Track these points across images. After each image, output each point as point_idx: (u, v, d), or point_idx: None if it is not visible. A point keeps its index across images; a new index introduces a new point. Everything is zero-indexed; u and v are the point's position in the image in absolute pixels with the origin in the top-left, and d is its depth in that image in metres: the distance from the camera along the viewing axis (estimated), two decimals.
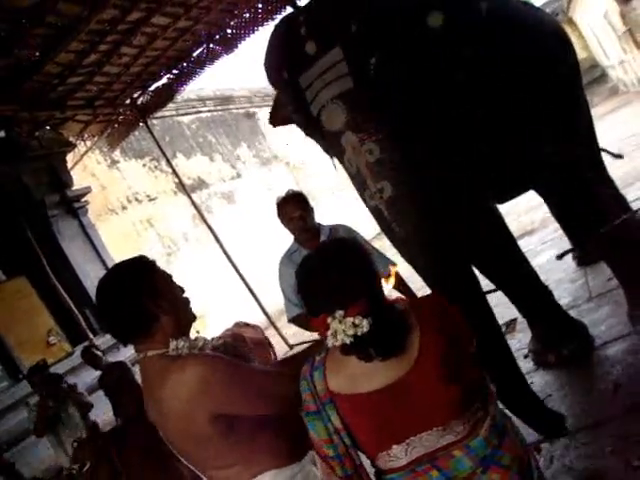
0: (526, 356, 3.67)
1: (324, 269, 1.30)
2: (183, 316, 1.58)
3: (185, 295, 1.62)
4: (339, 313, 1.23)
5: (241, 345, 1.79)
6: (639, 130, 8.84)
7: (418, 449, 1.25)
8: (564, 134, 2.96)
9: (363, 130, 2.34)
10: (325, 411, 1.31)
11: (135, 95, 6.93)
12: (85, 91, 6.08)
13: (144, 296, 1.47)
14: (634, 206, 5.09)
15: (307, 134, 3.04)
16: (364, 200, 2.52)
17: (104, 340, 6.50)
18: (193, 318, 1.63)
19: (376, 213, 2.46)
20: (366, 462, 1.39)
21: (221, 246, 6.85)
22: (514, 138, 2.78)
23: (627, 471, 2.29)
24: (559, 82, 2.99)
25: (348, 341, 1.22)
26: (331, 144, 2.58)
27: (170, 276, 1.60)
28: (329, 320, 1.23)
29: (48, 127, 6.78)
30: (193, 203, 7.38)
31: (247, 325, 3.86)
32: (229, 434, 1.48)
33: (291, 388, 1.40)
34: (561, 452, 2.63)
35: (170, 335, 1.51)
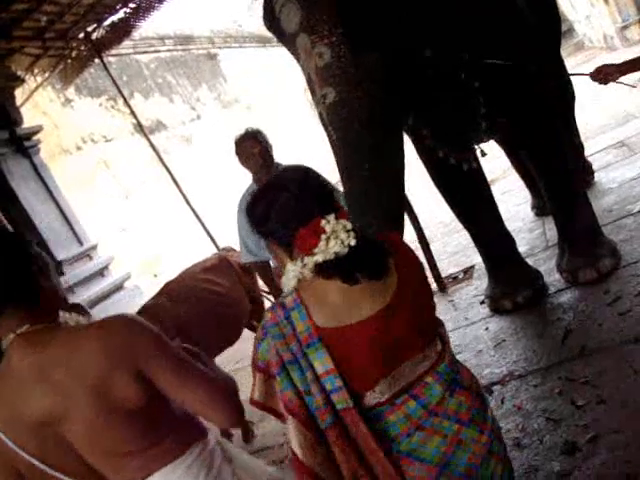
0: (482, 302, 3.75)
1: (298, 181, 1.26)
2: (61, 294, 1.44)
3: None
4: (332, 215, 1.18)
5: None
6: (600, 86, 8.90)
7: (400, 381, 1.25)
8: (535, 71, 2.91)
9: (316, 32, 2.22)
10: (305, 357, 1.21)
11: (89, 29, 6.57)
12: (33, 20, 5.72)
13: (34, 262, 1.33)
14: (594, 159, 5.19)
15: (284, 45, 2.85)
16: (316, 107, 2.42)
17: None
18: (64, 299, 1.50)
19: (320, 119, 2.38)
20: None
21: (179, 188, 6.71)
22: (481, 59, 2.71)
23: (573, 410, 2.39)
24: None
25: (342, 249, 1.16)
26: (290, 49, 2.47)
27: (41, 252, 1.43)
28: (323, 223, 1.17)
29: None
30: (151, 145, 7.15)
31: (233, 250, 3.80)
32: (153, 402, 1.29)
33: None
34: (512, 393, 2.71)
35: (53, 308, 1.35)
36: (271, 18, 2.48)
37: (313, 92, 2.32)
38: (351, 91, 2.20)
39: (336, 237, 1.16)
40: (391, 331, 1.23)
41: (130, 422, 1.28)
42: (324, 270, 1.19)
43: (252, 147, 2.96)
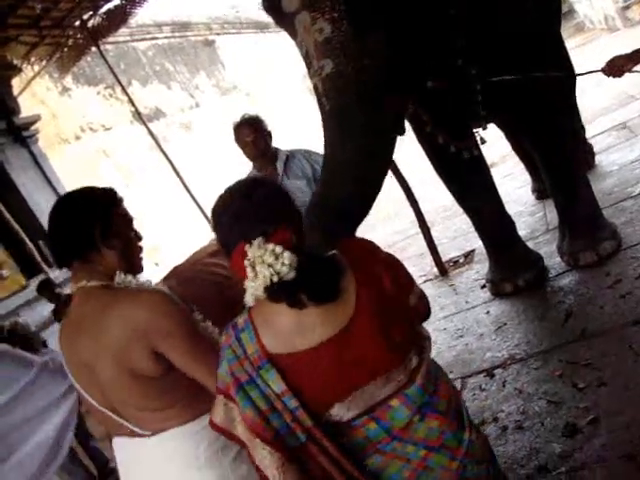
0: (483, 286, 3.75)
1: (238, 196, 1.18)
2: (130, 260, 1.54)
3: (140, 244, 1.59)
4: (259, 239, 1.08)
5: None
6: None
7: (358, 405, 1.18)
8: (537, 56, 2.88)
9: (317, 8, 2.20)
10: (260, 377, 1.16)
11: (85, 17, 6.49)
12: (28, 8, 5.67)
13: (98, 222, 1.45)
14: (595, 141, 5.17)
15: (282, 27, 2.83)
16: (310, 80, 2.39)
17: (59, 273, 6.35)
18: (140, 268, 1.59)
19: (315, 91, 2.35)
20: None
21: (179, 176, 6.70)
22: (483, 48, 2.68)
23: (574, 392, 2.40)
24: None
25: (269, 276, 1.06)
26: (289, 29, 2.44)
27: (132, 219, 1.57)
28: (247, 248, 1.08)
29: None
30: (150, 133, 7.12)
31: None
32: (169, 373, 1.41)
33: None
34: (513, 377, 2.72)
35: (113, 270, 1.47)
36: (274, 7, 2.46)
37: (310, 66, 2.28)
38: (350, 63, 2.17)
39: (261, 262, 1.07)
40: (346, 356, 1.16)
41: (146, 386, 1.41)
42: (270, 293, 1.10)
43: (247, 135, 2.95)
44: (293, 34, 2.38)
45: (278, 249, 1.07)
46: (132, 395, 1.43)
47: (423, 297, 1.35)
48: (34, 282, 6.13)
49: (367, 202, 2.30)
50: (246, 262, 1.09)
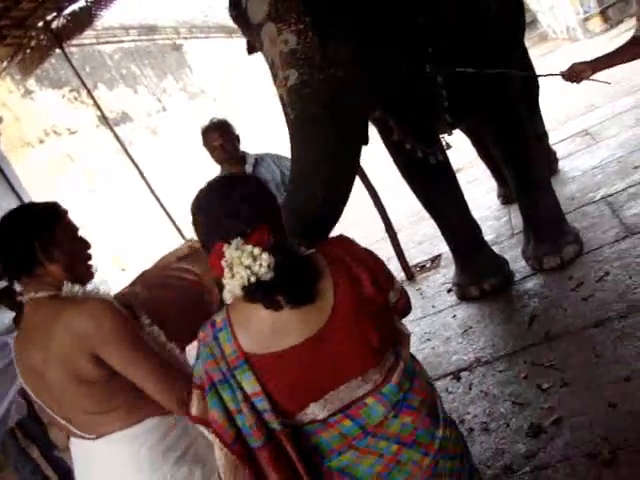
0: (450, 290, 3.79)
1: (216, 195, 1.18)
2: (75, 270, 1.59)
3: (88, 252, 1.65)
4: (236, 240, 1.08)
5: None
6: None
7: (334, 404, 1.19)
8: (502, 62, 2.93)
9: (283, 20, 2.21)
10: (234, 377, 1.16)
11: (49, 18, 6.34)
12: None
13: (37, 239, 1.51)
14: (558, 147, 5.28)
15: (249, 46, 2.80)
16: (276, 91, 2.38)
17: None
18: (90, 276, 1.65)
19: (281, 102, 2.34)
20: None
21: (145, 181, 6.61)
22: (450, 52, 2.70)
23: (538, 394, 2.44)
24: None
25: (246, 277, 1.06)
26: (255, 40, 2.44)
27: (76, 229, 1.63)
28: (224, 248, 1.08)
29: None
30: (116, 137, 7.01)
31: (197, 241, 3.83)
32: (113, 378, 1.47)
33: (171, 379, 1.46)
34: (479, 379, 2.75)
35: (61, 281, 1.54)
36: (237, 8, 2.44)
37: (275, 77, 2.28)
38: (314, 74, 2.17)
39: (239, 263, 1.07)
40: (321, 358, 1.16)
41: (91, 390, 1.47)
42: (247, 293, 1.10)
43: (215, 139, 2.95)
44: (259, 45, 2.38)
45: (256, 251, 1.08)
46: (79, 400, 1.49)
47: (404, 293, 1.36)
48: None
49: (336, 207, 2.30)
50: (224, 263, 1.09)
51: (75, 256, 1.59)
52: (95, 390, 1.47)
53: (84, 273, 1.62)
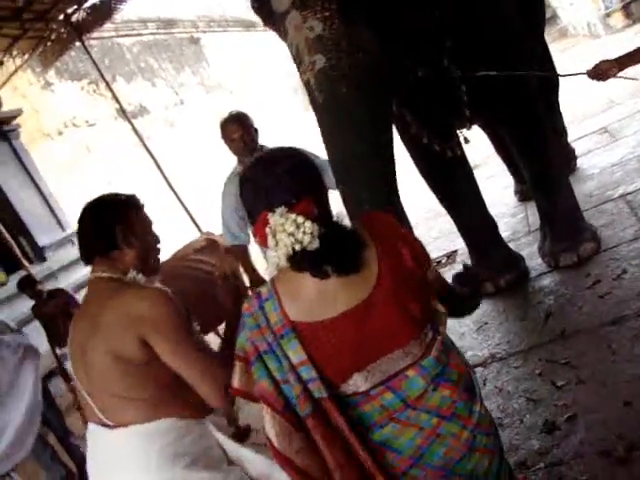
0: None
1: (263, 167, 1.21)
2: (146, 260, 1.67)
3: (157, 246, 1.73)
4: (281, 208, 1.11)
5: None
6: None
7: (376, 375, 1.21)
8: (521, 58, 2.91)
9: (309, 7, 2.22)
10: (280, 347, 1.19)
11: (69, 11, 6.42)
12: (10, 0, 5.59)
13: (118, 224, 1.60)
14: (576, 145, 5.24)
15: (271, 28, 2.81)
16: (300, 77, 2.37)
17: (40, 269, 6.30)
18: (156, 270, 1.72)
19: (306, 87, 2.33)
20: None
21: (162, 173, 6.66)
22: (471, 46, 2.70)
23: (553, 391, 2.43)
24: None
25: (290, 245, 1.09)
26: (279, 29, 2.45)
27: (151, 222, 1.72)
28: (269, 216, 1.11)
29: None
30: (134, 129, 7.07)
31: (213, 235, 3.85)
32: (149, 365, 1.51)
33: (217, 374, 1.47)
34: (494, 375, 2.75)
35: (129, 267, 1.62)
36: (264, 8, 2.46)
37: (300, 63, 2.28)
38: (342, 58, 2.18)
39: (282, 231, 1.10)
40: (366, 328, 1.19)
41: (123, 371, 1.50)
42: (293, 262, 1.13)
43: (234, 131, 2.96)
44: (283, 34, 2.39)
45: (300, 219, 1.11)
46: (111, 379, 1.52)
47: (440, 276, 1.39)
48: (14, 278, 6.05)
49: (388, 189, 2.31)
50: (267, 230, 1.12)
51: (148, 246, 1.68)
52: (129, 372, 1.51)
53: (152, 265, 1.69)
